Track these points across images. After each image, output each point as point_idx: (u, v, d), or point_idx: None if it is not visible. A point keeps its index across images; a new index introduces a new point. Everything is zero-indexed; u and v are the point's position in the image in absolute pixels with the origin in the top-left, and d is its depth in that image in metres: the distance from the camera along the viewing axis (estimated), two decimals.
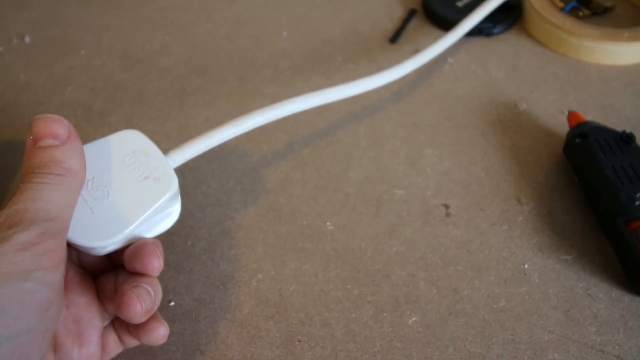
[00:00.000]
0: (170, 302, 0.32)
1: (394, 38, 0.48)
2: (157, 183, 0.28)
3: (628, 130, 0.36)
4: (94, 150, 0.28)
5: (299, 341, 0.30)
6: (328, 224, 0.35)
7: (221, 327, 0.31)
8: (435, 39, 0.43)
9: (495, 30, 0.48)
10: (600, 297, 0.32)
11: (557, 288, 0.32)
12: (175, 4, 0.53)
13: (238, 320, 0.31)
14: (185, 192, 0.37)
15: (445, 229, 0.35)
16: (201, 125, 0.42)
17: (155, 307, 0.27)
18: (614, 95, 0.43)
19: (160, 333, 0.27)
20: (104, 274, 0.29)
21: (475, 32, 0.47)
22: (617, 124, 0.39)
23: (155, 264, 0.26)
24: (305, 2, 0.53)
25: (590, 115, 0.41)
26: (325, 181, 0.38)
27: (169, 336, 0.30)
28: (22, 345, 0.20)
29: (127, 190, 0.27)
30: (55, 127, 0.25)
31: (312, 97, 0.36)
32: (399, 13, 0.51)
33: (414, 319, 0.31)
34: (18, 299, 0.20)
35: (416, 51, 0.46)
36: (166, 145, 0.40)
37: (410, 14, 0.50)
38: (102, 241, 0.26)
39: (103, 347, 0.27)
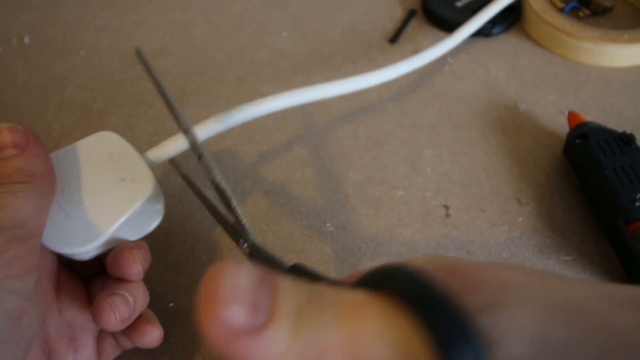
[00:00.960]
0: (169, 303, 0.32)
1: (394, 38, 0.48)
2: (134, 185, 0.27)
3: (628, 131, 0.36)
4: (67, 155, 0.27)
5: None
6: (328, 224, 0.35)
7: None
8: (436, 40, 0.43)
9: (495, 31, 0.48)
10: None
11: None
12: (175, 4, 0.53)
13: None
14: (185, 193, 0.37)
15: (445, 230, 0.35)
16: None
17: (136, 313, 0.26)
18: (614, 96, 0.43)
19: (153, 336, 0.27)
20: (95, 278, 0.29)
21: (474, 33, 0.47)
22: (617, 125, 0.39)
23: (134, 269, 0.26)
24: (305, 2, 0.53)
25: (591, 116, 0.41)
26: (325, 182, 0.38)
27: (169, 337, 0.30)
28: None
29: (104, 193, 0.26)
30: (11, 136, 0.24)
31: (302, 92, 0.35)
32: (399, 13, 0.51)
33: None
34: None
35: (416, 52, 0.45)
36: None
37: (410, 14, 0.50)
38: (80, 247, 0.25)
39: (99, 350, 0.27)
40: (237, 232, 0.26)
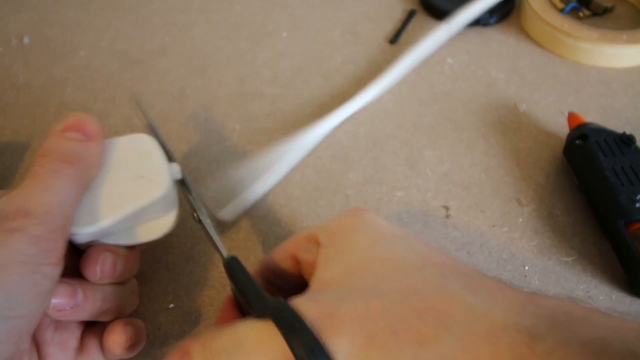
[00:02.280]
0: (169, 304, 0.32)
1: (394, 39, 0.48)
2: (149, 184, 0.27)
3: (628, 132, 0.36)
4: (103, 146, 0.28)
5: None
6: None
7: None
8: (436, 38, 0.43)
9: (492, 20, 0.49)
10: (601, 299, 0.32)
11: (557, 290, 0.32)
12: (175, 4, 0.53)
13: None
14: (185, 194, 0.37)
15: (445, 231, 0.35)
16: (201, 126, 0.41)
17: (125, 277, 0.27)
18: (614, 97, 0.43)
19: (119, 340, 0.27)
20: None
21: (472, 23, 0.48)
22: (617, 126, 0.39)
23: (93, 269, 0.26)
24: (305, 2, 0.53)
25: (591, 116, 0.41)
26: (324, 182, 0.38)
27: (169, 338, 0.30)
28: (19, 326, 0.22)
29: (117, 184, 0.27)
30: (86, 125, 0.26)
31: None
32: (398, 13, 0.51)
33: None
34: (26, 289, 0.22)
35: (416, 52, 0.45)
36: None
37: (410, 15, 0.50)
38: (78, 228, 0.25)
39: (82, 346, 0.27)
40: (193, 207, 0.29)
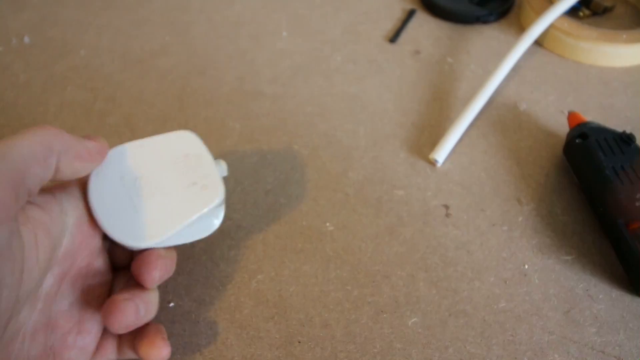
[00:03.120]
0: (169, 303, 0.32)
1: (394, 38, 0.48)
2: (204, 191, 0.27)
3: (628, 131, 0.36)
4: (147, 146, 0.28)
5: (299, 342, 0.30)
6: (328, 224, 0.35)
7: (221, 328, 0.31)
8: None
9: (491, 18, 0.49)
10: (601, 297, 0.32)
11: (557, 289, 0.32)
12: (175, 4, 0.53)
13: (238, 321, 0.31)
14: None
15: (445, 230, 0.35)
16: (201, 125, 0.42)
17: (142, 322, 0.26)
18: (614, 96, 0.43)
19: (162, 353, 0.27)
20: (124, 270, 0.29)
21: (472, 21, 0.49)
22: (617, 125, 0.39)
23: (153, 275, 0.26)
24: (305, 2, 0.53)
25: (591, 115, 0.41)
26: (325, 182, 0.38)
27: (169, 337, 0.30)
28: None
29: (173, 194, 0.27)
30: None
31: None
32: (398, 13, 0.51)
33: (413, 319, 0.31)
34: None
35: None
36: None
37: (410, 14, 0.50)
38: (139, 242, 0.26)
39: (99, 345, 0.27)
40: None
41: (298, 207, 0.36)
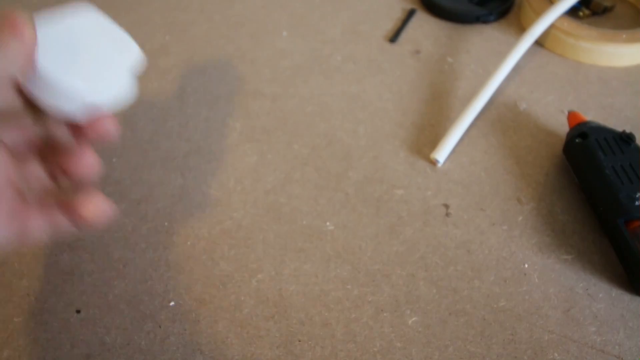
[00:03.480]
0: (170, 302, 0.32)
1: (394, 37, 0.48)
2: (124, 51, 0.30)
3: (628, 130, 0.36)
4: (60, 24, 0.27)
5: (299, 341, 0.30)
6: (328, 223, 0.35)
7: (221, 327, 0.31)
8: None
9: (491, 18, 0.50)
10: (601, 296, 0.32)
11: (557, 288, 0.32)
12: (175, 4, 0.53)
13: (238, 320, 0.31)
14: (185, 192, 0.37)
15: (445, 229, 0.35)
16: (201, 125, 0.42)
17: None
18: (614, 95, 0.43)
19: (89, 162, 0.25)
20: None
21: (472, 20, 0.49)
22: (617, 124, 0.39)
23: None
24: (305, 2, 0.53)
25: (590, 115, 0.41)
26: (325, 181, 0.38)
27: (170, 336, 0.30)
28: None
29: (100, 60, 0.28)
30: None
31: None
32: (398, 13, 0.51)
33: (414, 318, 0.31)
34: None
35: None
36: (166, 144, 0.40)
37: (410, 14, 0.50)
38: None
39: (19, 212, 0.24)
40: None
41: (298, 206, 0.36)
